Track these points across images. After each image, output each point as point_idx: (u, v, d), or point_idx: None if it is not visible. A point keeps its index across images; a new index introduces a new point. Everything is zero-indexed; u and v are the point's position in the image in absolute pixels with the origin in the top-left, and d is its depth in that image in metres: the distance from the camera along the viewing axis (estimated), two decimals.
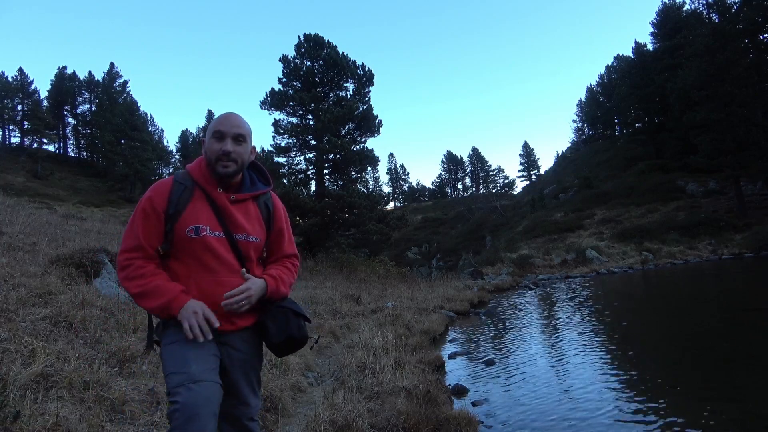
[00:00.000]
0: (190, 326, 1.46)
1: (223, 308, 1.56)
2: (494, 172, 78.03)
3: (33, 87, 50.83)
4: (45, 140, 49.97)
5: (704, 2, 27.10)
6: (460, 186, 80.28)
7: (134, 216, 1.60)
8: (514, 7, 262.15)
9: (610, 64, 58.11)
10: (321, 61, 20.05)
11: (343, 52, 20.10)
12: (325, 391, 3.80)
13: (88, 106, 54.92)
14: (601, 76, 59.80)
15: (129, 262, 1.55)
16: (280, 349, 1.70)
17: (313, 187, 20.48)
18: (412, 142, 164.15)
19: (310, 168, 20.38)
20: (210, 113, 57.27)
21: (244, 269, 1.63)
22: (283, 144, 20.10)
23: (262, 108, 19.87)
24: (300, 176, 20.42)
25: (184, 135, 60.22)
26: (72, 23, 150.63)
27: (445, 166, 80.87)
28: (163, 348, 1.54)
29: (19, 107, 49.77)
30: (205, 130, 1.74)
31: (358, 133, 20.27)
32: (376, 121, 20.06)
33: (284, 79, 20.31)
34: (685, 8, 37.40)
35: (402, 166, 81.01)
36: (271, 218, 1.77)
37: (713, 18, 26.08)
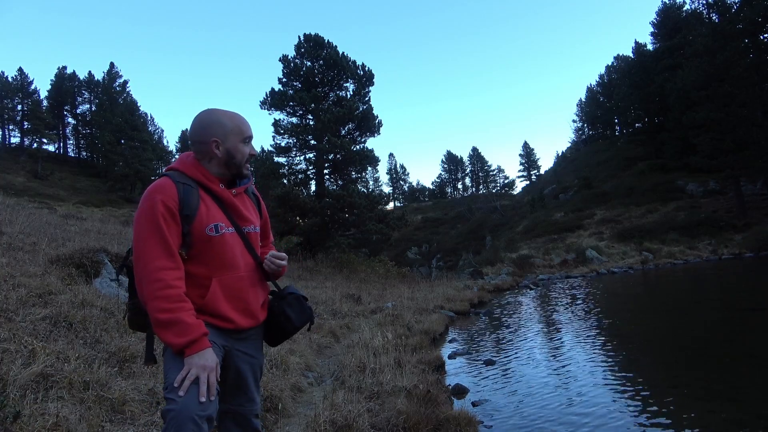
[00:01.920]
0: (189, 377, 1.41)
1: (265, 267, 1.71)
2: (494, 172, 78.07)
3: (33, 87, 50.78)
4: (45, 140, 49.86)
5: (704, 2, 27.11)
6: (460, 186, 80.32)
7: (153, 222, 1.49)
8: (514, 7, 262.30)
9: (610, 64, 58.21)
10: (321, 61, 20.06)
11: (343, 52, 20.11)
12: (325, 391, 3.80)
13: (88, 106, 54.85)
14: (601, 76, 59.82)
15: (160, 275, 1.46)
16: (291, 333, 1.81)
17: (313, 187, 20.50)
18: (412, 142, 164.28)
19: (310, 168, 20.39)
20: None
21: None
22: (283, 144, 20.12)
23: (262, 108, 19.89)
24: (300, 176, 20.43)
25: (184, 135, 60.22)
26: (72, 23, 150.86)
27: (445, 166, 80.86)
28: (166, 352, 1.51)
29: (19, 107, 49.70)
30: (211, 129, 1.67)
31: (358, 133, 20.28)
32: (376, 121, 20.06)
33: (284, 79, 20.32)
34: (685, 8, 37.46)
35: (402, 166, 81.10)
36: (260, 206, 1.85)
37: (713, 18, 26.09)
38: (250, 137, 1.72)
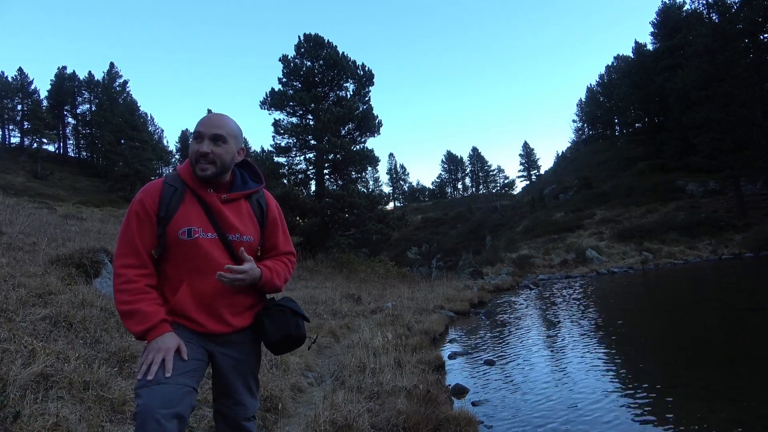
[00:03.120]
0: (146, 362, 1.45)
1: (217, 279, 1.55)
2: (494, 172, 78.12)
3: (33, 87, 50.79)
4: (45, 140, 49.83)
5: (704, 2, 27.17)
6: (460, 186, 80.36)
7: (128, 220, 1.58)
8: (514, 7, 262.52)
9: (610, 64, 58.31)
10: (321, 61, 20.05)
11: (343, 52, 20.10)
12: (325, 391, 3.80)
13: (88, 106, 54.85)
14: (601, 76, 59.90)
15: (123, 270, 1.53)
16: (277, 348, 1.71)
17: (313, 187, 20.47)
18: (412, 142, 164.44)
19: (310, 168, 20.37)
20: (210, 113, 57.25)
21: (228, 265, 1.59)
22: (283, 144, 20.10)
23: (262, 108, 19.87)
24: (300, 176, 20.41)
25: (184, 135, 60.20)
26: (72, 23, 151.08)
27: (445, 166, 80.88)
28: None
29: (19, 107, 49.69)
30: None
31: (358, 133, 20.27)
32: (376, 121, 20.05)
33: (284, 79, 20.31)
34: (685, 8, 37.52)
35: (402, 166, 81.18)
36: (264, 216, 1.76)
37: (713, 18, 26.10)
38: (200, 133, 1.62)
